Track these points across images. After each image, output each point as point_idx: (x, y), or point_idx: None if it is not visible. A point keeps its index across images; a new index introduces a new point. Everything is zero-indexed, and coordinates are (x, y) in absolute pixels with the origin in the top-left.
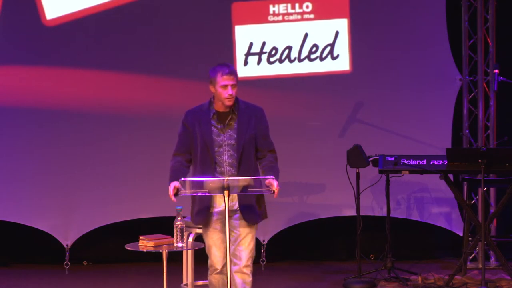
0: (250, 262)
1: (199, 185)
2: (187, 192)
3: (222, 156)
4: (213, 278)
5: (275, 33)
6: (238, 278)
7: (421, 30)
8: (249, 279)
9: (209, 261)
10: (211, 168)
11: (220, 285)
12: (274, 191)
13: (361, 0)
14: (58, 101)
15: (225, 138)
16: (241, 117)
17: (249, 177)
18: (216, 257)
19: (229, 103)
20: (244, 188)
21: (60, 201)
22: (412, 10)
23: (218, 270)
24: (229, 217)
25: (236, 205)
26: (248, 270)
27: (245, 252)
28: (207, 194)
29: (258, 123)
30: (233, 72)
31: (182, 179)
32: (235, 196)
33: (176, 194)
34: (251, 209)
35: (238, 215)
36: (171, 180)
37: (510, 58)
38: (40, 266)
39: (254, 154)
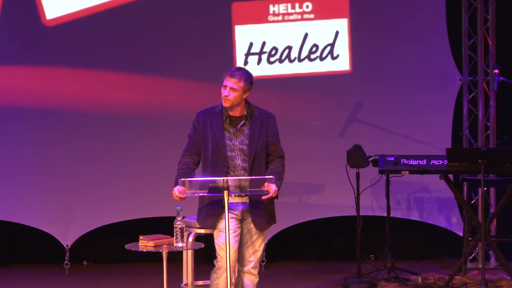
0: (258, 263)
1: (199, 185)
2: (191, 192)
3: (235, 160)
4: (222, 281)
5: (275, 33)
6: (246, 279)
7: (421, 30)
8: (256, 279)
9: (219, 263)
10: (223, 170)
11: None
12: (268, 192)
13: (361, 0)
14: (58, 101)
15: (237, 143)
16: (253, 124)
17: (249, 177)
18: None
19: (224, 103)
20: (244, 188)
21: (60, 201)
22: (412, 10)
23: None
24: (242, 219)
25: (247, 205)
26: (256, 271)
27: (255, 254)
28: (207, 194)
29: (270, 129)
30: (234, 75)
31: (182, 179)
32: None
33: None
34: (261, 216)
35: (250, 218)
36: (177, 184)
37: (510, 58)
38: (40, 266)
39: (266, 160)
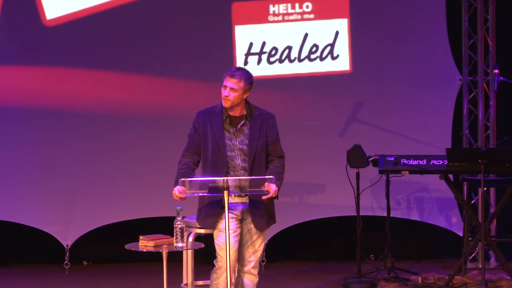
0: (258, 263)
1: (199, 185)
2: (191, 192)
3: (235, 160)
4: (222, 281)
5: (275, 33)
6: (246, 279)
7: (421, 30)
8: (256, 279)
9: (219, 263)
10: (223, 170)
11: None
12: (268, 192)
13: (361, 0)
14: (58, 101)
15: (237, 143)
16: (253, 124)
17: (249, 177)
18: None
19: (224, 103)
20: (244, 188)
21: (60, 201)
22: (412, 10)
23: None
24: (242, 219)
25: (247, 205)
26: (256, 271)
27: (255, 254)
28: (207, 194)
29: (269, 129)
30: (235, 75)
31: (182, 179)
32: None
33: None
34: (261, 216)
35: (250, 218)
36: (177, 184)
37: (510, 58)
38: (40, 266)
39: (266, 159)
